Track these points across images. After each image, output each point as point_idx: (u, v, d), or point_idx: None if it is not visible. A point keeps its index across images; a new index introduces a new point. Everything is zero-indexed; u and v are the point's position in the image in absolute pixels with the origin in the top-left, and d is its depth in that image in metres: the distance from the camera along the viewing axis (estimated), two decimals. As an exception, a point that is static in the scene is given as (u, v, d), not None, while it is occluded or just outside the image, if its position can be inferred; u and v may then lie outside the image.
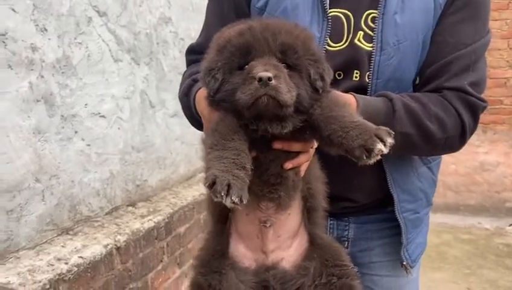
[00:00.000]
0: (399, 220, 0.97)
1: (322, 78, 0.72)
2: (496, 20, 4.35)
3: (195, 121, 0.95)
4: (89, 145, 1.74)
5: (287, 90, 0.68)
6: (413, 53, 0.89)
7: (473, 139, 4.46)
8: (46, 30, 1.50)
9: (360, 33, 0.89)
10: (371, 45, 0.88)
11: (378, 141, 0.64)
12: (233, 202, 0.62)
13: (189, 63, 1.06)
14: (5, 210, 1.33)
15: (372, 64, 0.88)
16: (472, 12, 0.91)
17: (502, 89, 4.39)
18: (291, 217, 0.78)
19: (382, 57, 0.87)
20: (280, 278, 0.76)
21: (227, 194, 0.62)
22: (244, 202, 0.63)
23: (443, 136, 0.87)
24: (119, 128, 1.95)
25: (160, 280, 1.99)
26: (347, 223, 1.02)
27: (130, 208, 2.00)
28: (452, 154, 4.02)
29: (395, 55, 0.86)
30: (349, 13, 0.85)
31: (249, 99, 0.67)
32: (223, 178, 0.63)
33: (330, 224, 1.01)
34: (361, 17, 0.90)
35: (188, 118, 1.01)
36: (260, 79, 0.66)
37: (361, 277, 1.05)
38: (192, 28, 2.61)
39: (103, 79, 1.84)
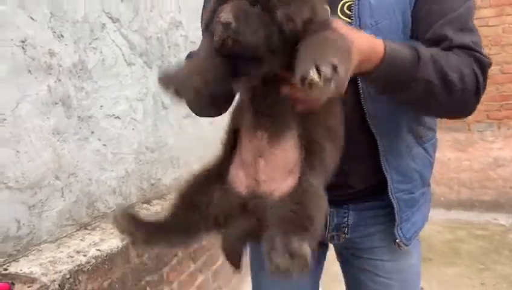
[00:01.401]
0: (392, 200, 0.99)
1: (289, 19, 0.71)
2: (509, 15, 4.32)
3: None
4: (105, 145, 1.83)
5: (252, 32, 0.70)
6: (394, 31, 0.91)
7: (487, 135, 4.45)
8: (62, 36, 1.59)
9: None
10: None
11: (314, 70, 0.61)
12: None
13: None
14: (28, 205, 1.42)
15: None
16: None
17: (515, 84, 4.36)
18: (286, 154, 0.80)
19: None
20: (263, 207, 0.79)
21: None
22: None
23: (461, 87, 0.85)
24: (133, 129, 2.04)
25: (176, 273, 2.06)
26: (346, 211, 1.06)
27: (144, 205, 2.08)
28: (465, 150, 4.01)
29: (375, 35, 0.89)
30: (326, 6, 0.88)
31: (217, 42, 0.72)
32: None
33: (330, 212, 1.05)
34: (337, 8, 0.94)
35: None
36: (222, 23, 0.70)
37: (363, 261, 1.10)
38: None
39: (117, 82, 1.92)
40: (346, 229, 1.07)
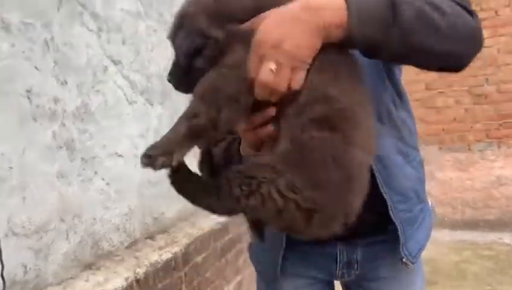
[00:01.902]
0: (394, 220, 1.00)
1: None
2: (502, 35, 4.40)
3: None
4: (108, 183, 1.87)
5: None
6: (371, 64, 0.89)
7: (488, 154, 4.47)
8: (66, 82, 1.66)
9: None
10: None
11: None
12: None
13: None
14: (34, 250, 1.45)
15: None
16: None
17: (512, 103, 4.41)
18: None
19: None
20: None
21: None
22: None
23: (453, 12, 0.75)
24: (135, 165, 2.08)
25: (180, 309, 2.07)
26: (355, 248, 1.07)
27: (148, 241, 2.11)
28: (467, 170, 4.02)
29: None
30: None
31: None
32: None
33: (339, 250, 1.06)
34: None
35: None
36: None
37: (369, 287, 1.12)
38: (201, 65, 2.76)
39: (119, 121, 1.98)
40: (356, 265, 1.08)
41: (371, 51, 0.74)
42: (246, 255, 2.95)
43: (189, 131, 0.70)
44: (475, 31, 0.79)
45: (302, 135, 0.70)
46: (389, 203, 0.99)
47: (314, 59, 0.71)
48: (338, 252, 1.07)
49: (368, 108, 0.77)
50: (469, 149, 4.58)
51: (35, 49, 1.51)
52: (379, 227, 1.04)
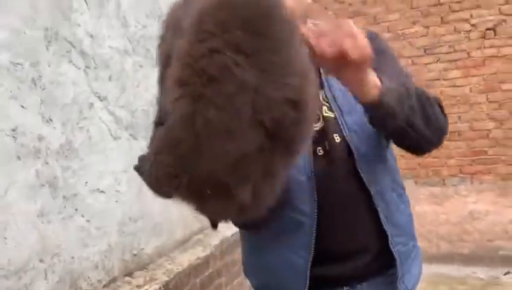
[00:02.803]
0: (393, 253, 1.06)
1: None
2: (474, 76, 4.60)
3: None
4: (88, 221, 1.86)
5: None
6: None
7: (461, 189, 4.61)
8: (51, 120, 1.66)
9: (323, 107, 1.05)
10: (332, 113, 1.05)
11: None
12: None
13: None
14: (11, 292, 1.42)
15: (341, 125, 1.04)
16: (385, 54, 1.09)
17: (485, 140, 4.57)
18: None
19: (345, 116, 1.04)
20: None
21: None
22: None
23: (436, 110, 1.00)
24: (117, 201, 2.07)
25: None
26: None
27: (127, 278, 2.08)
28: (442, 204, 4.13)
29: (352, 112, 1.03)
30: None
31: None
32: None
33: None
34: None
35: None
36: None
37: None
38: (186, 100, 2.80)
39: (103, 156, 1.98)
40: None
41: (383, 117, 0.91)
42: (224, 290, 2.93)
43: None
44: (445, 128, 1.04)
45: None
46: (389, 236, 1.06)
47: None
48: None
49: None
50: (444, 184, 4.71)
51: (23, 88, 1.52)
52: (380, 266, 1.09)
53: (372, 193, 1.06)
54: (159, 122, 0.76)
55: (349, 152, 1.04)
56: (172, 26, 0.79)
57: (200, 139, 0.61)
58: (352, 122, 1.04)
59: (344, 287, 1.09)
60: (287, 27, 0.68)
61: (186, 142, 0.62)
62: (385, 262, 1.09)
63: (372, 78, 0.88)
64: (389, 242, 1.06)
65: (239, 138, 0.61)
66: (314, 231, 1.01)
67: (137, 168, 0.81)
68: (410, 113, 0.92)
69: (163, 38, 0.83)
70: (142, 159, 0.80)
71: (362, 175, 1.05)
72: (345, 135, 1.03)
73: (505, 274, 4.20)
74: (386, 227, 1.06)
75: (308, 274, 1.02)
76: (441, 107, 1.03)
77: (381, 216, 1.06)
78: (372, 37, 1.11)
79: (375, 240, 1.08)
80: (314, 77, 0.70)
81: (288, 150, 0.67)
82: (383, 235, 1.07)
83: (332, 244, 1.04)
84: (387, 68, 1.05)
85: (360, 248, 1.07)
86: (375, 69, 1.05)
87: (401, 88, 0.93)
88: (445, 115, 1.04)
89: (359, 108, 1.02)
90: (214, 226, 0.89)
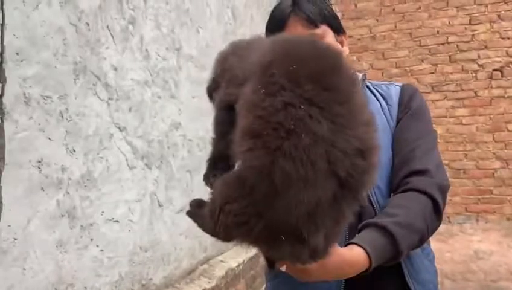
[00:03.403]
0: None
1: None
2: (481, 115, 4.66)
3: None
4: (102, 250, 1.87)
5: None
6: (388, 166, 1.08)
7: (466, 228, 4.60)
8: (74, 151, 1.70)
9: None
10: None
11: None
12: None
13: None
14: (26, 323, 1.43)
15: None
16: (421, 113, 1.14)
17: (490, 180, 4.59)
18: None
19: None
20: None
21: None
22: None
23: (430, 225, 1.00)
24: (129, 230, 2.09)
25: None
26: None
27: (135, 309, 2.07)
28: (447, 242, 4.09)
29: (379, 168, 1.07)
30: None
31: None
32: None
33: None
34: None
35: None
36: None
37: None
38: (200, 129, 2.84)
39: (119, 186, 2.01)
40: None
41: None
42: (228, 322, 2.90)
43: None
44: (439, 223, 1.03)
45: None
46: None
47: None
48: None
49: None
50: (449, 221, 4.70)
51: (50, 120, 1.56)
52: None
53: None
54: (213, 163, 0.83)
55: (371, 207, 1.05)
56: (227, 72, 0.83)
57: (277, 190, 0.63)
58: (377, 178, 1.05)
59: None
60: (350, 78, 0.73)
61: (261, 192, 0.64)
62: None
63: (350, 264, 0.89)
64: None
65: (315, 188, 0.63)
66: (343, 282, 1.02)
67: (191, 214, 0.83)
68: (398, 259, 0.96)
69: (215, 83, 0.87)
70: (197, 204, 0.83)
71: None
72: (368, 192, 1.04)
73: (509, 316, 4.16)
74: (409, 283, 1.06)
75: None
76: (435, 200, 1.01)
77: (405, 271, 1.06)
78: (408, 94, 1.15)
79: None
80: (376, 124, 0.74)
81: (355, 197, 0.70)
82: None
83: None
84: (408, 128, 1.10)
85: None
86: (398, 129, 1.10)
87: (385, 244, 0.93)
88: (438, 210, 1.02)
89: (387, 166, 1.06)
90: (271, 265, 0.90)
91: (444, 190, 1.03)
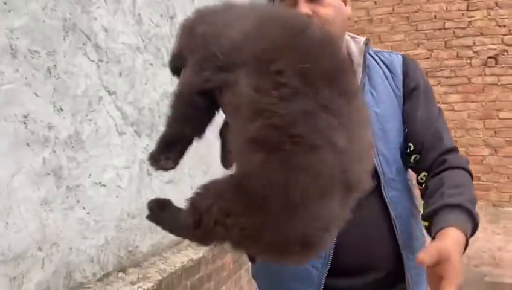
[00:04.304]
0: (406, 276, 1.08)
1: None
2: (473, 102, 4.68)
3: None
4: (88, 213, 1.86)
5: None
6: (396, 133, 1.09)
7: (453, 213, 4.64)
8: (62, 110, 1.67)
9: None
10: None
11: None
12: None
13: None
14: (9, 277, 1.42)
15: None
16: (430, 89, 1.16)
17: (479, 166, 4.63)
18: None
19: (376, 140, 1.05)
20: None
21: None
22: None
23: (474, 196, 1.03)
24: (117, 196, 2.08)
25: None
26: None
27: (120, 274, 2.07)
28: (432, 227, 4.11)
29: (383, 136, 1.07)
30: None
31: None
32: None
33: None
34: None
35: None
36: None
37: None
38: (191, 101, 2.81)
39: (107, 151, 1.98)
40: None
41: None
42: (213, 295, 2.92)
43: None
44: None
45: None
46: (405, 260, 1.07)
47: None
48: None
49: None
50: (436, 206, 4.75)
51: (38, 76, 1.53)
52: (389, 284, 1.10)
53: (392, 215, 1.07)
54: (165, 144, 0.75)
55: (375, 174, 1.06)
56: (198, 48, 0.73)
57: (296, 206, 0.58)
58: (383, 146, 1.07)
59: None
60: (354, 76, 0.71)
61: (278, 208, 0.59)
62: (396, 282, 1.10)
63: (456, 248, 0.87)
64: (404, 266, 1.08)
65: (331, 200, 0.61)
66: (333, 247, 1.02)
67: (154, 219, 0.76)
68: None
69: (181, 58, 0.79)
70: (158, 206, 0.76)
71: (386, 198, 1.07)
72: (373, 157, 1.05)
73: (490, 300, 4.24)
74: (402, 251, 1.07)
75: (322, 286, 1.04)
76: (471, 174, 1.07)
77: (400, 239, 1.07)
78: (412, 68, 1.15)
79: (390, 262, 1.09)
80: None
81: (352, 200, 0.68)
82: (398, 258, 1.08)
83: (348, 260, 1.04)
84: (422, 107, 1.11)
85: (375, 266, 1.08)
86: (411, 105, 1.11)
87: (467, 222, 0.93)
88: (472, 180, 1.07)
89: (393, 134, 1.07)
90: (253, 260, 0.89)
91: (468, 162, 1.09)
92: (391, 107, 1.10)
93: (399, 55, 1.18)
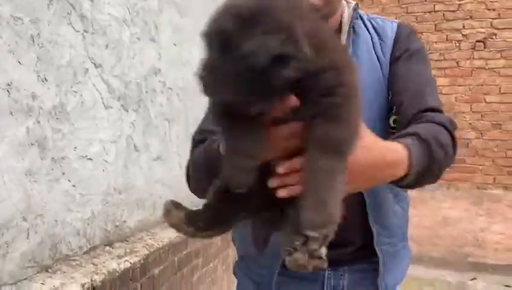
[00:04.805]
0: (377, 251, 1.07)
1: (252, 55, 0.67)
2: (461, 85, 4.72)
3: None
4: (74, 186, 1.84)
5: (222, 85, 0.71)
6: (372, 104, 1.03)
7: (437, 194, 4.72)
8: (46, 80, 1.64)
9: None
10: None
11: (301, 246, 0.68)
12: None
13: (199, 142, 1.07)
14: (-7, 247, 1.41)
15: None
16: (422, 56, 1.09)
17: (465, 149, 4.70)
18: None
19: None
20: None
21: None
22: None
23: (451, 153, 0.95)
24: (103, 170, 2.06)
25: (132, 320, 2.04)
26: (342, 273, 1.12)
27: (107, 248, 2.07)
28: (417, 208, 4.25)
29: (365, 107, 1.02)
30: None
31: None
32: None
33: (328, 274, 1.10)
34: None
35: (199, 180, 1.03)
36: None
37: None
38: (180, 78, 2.79)
39: (93, 124, 1.96)
40: None
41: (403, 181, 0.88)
42: (200, 272, 2.94)
43: None
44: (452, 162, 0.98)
45: None
46: (375, 235, 1.07)
47: None
48: (325, 277, 1.11)
49: None
50: (421, 188, 4.81)
51: (21, 43, 1.49)
52: (364, 256, 1.10)
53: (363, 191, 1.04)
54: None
55: None
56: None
57: None
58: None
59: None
60: None
61: None
62: (369, 256, 1.10)
63: (398, 173, 0.84)
64: (374, 241, 1.07)
65: None
66: None
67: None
68: (429, 173, 0.90)
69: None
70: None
71: None
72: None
73: (472, 280, 4.35)
74: (373, 227, 1.06)
75: None
76: (453, 135, 0.97)
77: (370, 215, 1.06)
78: (405, 35, 1.09)
79: (361, 236, 1.09)
80: None
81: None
82: (369, 233, 1.07)
83: None
84: (407, 67, 1.04)
85: (346, 241, 1.08)
86: (396, 68, 1.05)
87: (422, 148, 0.87)
88: (455, 144, 0.97)
89: (366, 105, 0.99)
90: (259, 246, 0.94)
91: (455, 127, 0.99)
92: (371, 78, 1.05)
93: (394, 22, 1.13)
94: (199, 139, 1.07)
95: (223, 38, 0.63)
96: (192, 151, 1.08)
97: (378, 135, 0.99)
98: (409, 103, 1.00)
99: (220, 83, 0.65)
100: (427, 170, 0.87)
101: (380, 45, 1.08)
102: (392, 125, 1.04)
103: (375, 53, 1.07)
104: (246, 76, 0.62)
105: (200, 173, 1.01)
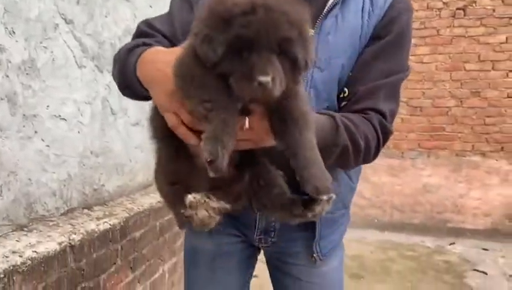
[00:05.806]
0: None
1: (306, 64, 0.77)
2: (441, 54, 4.74)
3: (126, 84, 1.00)
4: (48, 146, 1.79)
5: (280, 87, 0.72)
6: (340, 70, 1.01)
7: (418, 163, 4.79)
8: (14, 33, 1.57)
9: None
10: None
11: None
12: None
13: (142, 33, 1.07)
14: (-38, 202, 1.36)
15: (307, 76, 0.98)
16: (401, 44, 1.04)
17: (444, 117, 4.75)
18: None
19: (315, 69, 0.99)
20: None
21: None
22: None
23: (366, 151, 0.98)
24: (79, 132, 2.01)
25: (113, 282, 2.02)
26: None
27: (85, 211, 2.04)
28: (399, 176, 4.31)
29: (326, 69, 0.99)
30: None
31: (245, 96, 0.74)
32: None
33: (259, 215, 1.12)
34: None
35: (118, 79, 1.04)
36: (260, 83, 0.69)
37: (288, 266, 1.18)
38: (156, 42, 2.72)
39: (66, 83, 1.90)
40: (273, 233, 1.14)
41: None
42: (183, 238, 2.94)
43: None
44: (375, 156, 1.03)
45: None
46: None
47: None
48: (257, 218, 1.13)
49: None
50: (402, 156, 4.88)
51: (-16, -10, 1.42)
52: (303, 224, 1.08)
53: None
54: None
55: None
56: None
57: None
58: (320, 79, 1.00)
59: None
60: None
61: None
62: (309, 223, 1.09)
63: None
64: None
65: None
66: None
67: None
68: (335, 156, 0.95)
69: None
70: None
71: None
72: (305, 87, 0.99)
73: (450, 244, 4.46)
74: None
75: None
76: (379, 140, 1.01)
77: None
78: (396, 13, 1.03)
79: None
80: None
81: None
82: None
83: None
84: (379, 58, 1.01)
85: None
86: (369, 51, 1.02)
87: (327, 123, 0.93)
88: (377, 148, 1.01)
89: (336, 71, 1.00)
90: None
91: (389, 137, 1.03)
92: (349, 43, 1.01)
93: None
94: (143, 32, 1.08)
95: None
96: (132, 40, 1.07)
97: (326, 100, 1.03)
98: (360, 97, 1.01)
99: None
100: (334, 142, 0.93)
101: (369, 13, 1.03)
102: (341, 107, 1.04)
103: (362, 20, 1.03)
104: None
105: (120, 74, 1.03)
